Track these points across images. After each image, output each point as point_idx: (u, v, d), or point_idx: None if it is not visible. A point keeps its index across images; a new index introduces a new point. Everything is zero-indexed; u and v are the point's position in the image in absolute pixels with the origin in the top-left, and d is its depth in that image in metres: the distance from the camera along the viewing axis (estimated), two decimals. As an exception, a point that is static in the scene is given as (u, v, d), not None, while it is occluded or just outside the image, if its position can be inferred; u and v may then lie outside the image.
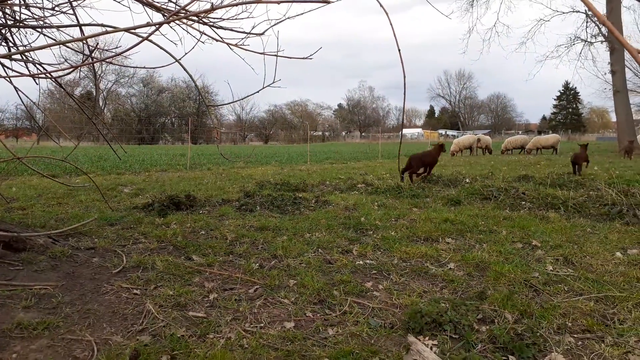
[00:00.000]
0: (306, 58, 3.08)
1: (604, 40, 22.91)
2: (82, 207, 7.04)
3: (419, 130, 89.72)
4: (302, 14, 4.49)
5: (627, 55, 24.36)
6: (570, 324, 2.98)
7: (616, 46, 21.01)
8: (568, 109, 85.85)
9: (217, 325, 2.95)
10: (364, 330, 2.90)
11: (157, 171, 15.01)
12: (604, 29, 22.54)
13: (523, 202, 7.09)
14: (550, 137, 24.24)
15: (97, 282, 3.71)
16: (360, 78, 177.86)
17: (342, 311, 3.20)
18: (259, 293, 3.50)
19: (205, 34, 4.50)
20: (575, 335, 2.86)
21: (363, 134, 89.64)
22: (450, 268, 4.11)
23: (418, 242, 4.99)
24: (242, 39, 4.04)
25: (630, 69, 30.40)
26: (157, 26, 3.39)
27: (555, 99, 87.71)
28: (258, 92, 3.99)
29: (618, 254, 4.39)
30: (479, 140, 25.47)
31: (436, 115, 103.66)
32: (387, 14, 1.73)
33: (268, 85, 3.92)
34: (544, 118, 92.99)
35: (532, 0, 31.94)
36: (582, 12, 23.35)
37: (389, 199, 8.02)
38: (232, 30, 4.84)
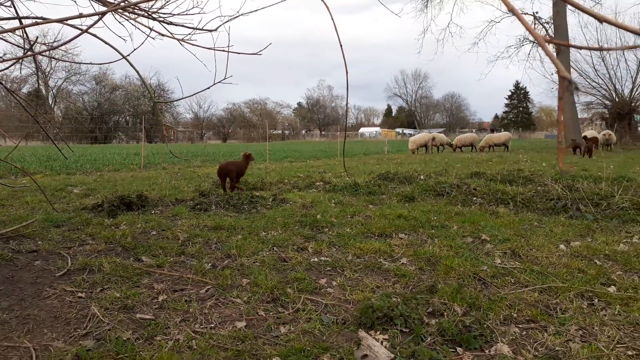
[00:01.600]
0: (255, 54, 3.04)
1: (550, 41, 23.84)
2: (27, 209, 6.71)
3: (377, 129, 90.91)
4: (255, 10, 4.46)
5: (572, 56, 25.54)
6: (515, 315, 3.08)
7: (562, 48, 21.97)
8: (519, 107, 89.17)
9: (166, 327, 2.88)
10: (316, 327, 2.90)
11: (110, 171, 14.53)
12: (550, 31, 23.54)
13: (474, 198, 7.30)
14: (502, 135, 25.10)
15: (38, 286, 3.54)
16: (321, 77, 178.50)
17: (295, 309, 3.19)
18: (210, 293, 3.44)
19: (154, 30, 4.38)
20: (520, 326, 2.96)
21: (323, 132, 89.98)
22: (403, 263, 4.17)
23: (372, 238, 5.04)
24: (189, 33, 3.95)
25: (575, 70, 31.82)
26: (99, 16, 3.26)
27: (506, 98, 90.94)
28: (209, 88, 3.91)
29: (562, 246, 4.58)
30: (433, 138, 26.04)
31: (394, 114, 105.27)
32: (329, 10, 1.73)
33: (219, 82, 3.85)
34: (496, 117, 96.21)
35: (483, 2, 32.80)
36: (530, 14, 24.30)
37: (346, 196, 8.07)
38: (183, 26, 4.73)
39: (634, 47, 0.64)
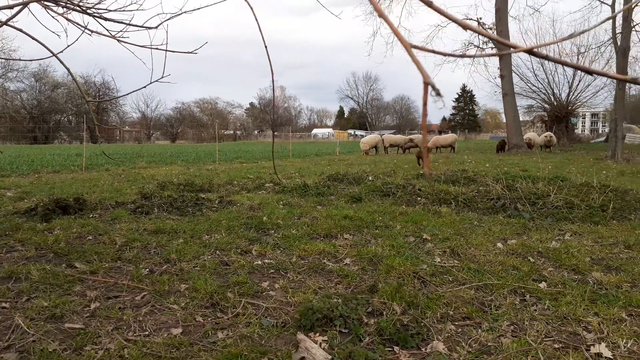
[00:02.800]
0: (191, 52, 2.96)
1: (494, 47, 24.92)
2: (-50, 214, 6.26)
3: (330, 130, 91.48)
4: (198, 8, 4.35)
5: (514, 60, 26.70)
6: (452, 313, 3.15)
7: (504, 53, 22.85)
8: (465, 110, 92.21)
9: (96, 336, 2.74)
10: (255, 331, 2.85)
11: (49, 173, 13.81)
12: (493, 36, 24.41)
13: (419, 198, 7.46)
14: (448, 137, 25.85)
15: (-43, 297, 3.29)
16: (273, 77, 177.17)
17: (235, 313, 3.13)
18: (146, 300, 3.32)
19: (88, 29, 4.18)
20: (456, 323, 3.03)
21: (276, 133, 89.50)
22: (346, 263, 4.19)
23: (318, 239, 5.04)
24: (121, 30, 3.80)
25: (517, 74, 33.32)
26: (21, 7, 3.08)
27: (454, 101, 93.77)
28: (145, 87, 3.77)
29: (499, 244, 4.75)
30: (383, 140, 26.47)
31: (346, 116, 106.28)
32: (252, 8, 1.69)
33: (156, 81, 3.73)
34: (444, 119, 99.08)
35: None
36: (474, 20, 25.20)
37: (295, 197, 8.04)
38: (121, 22, 4.55)
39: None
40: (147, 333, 2.81)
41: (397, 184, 8.76)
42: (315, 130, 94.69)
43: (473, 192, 7.65)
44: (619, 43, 18.75)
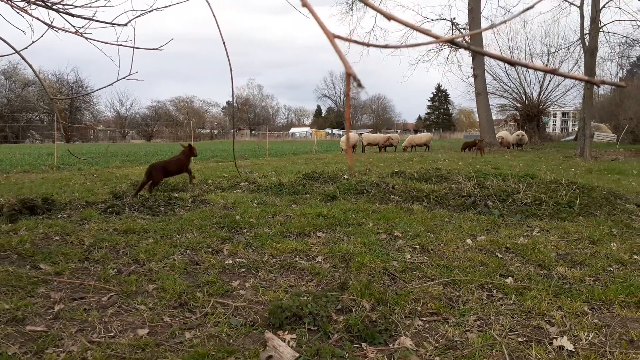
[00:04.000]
0: (156, 49, 2.92)
1: (467, 47, 25.20)
2: None
3: (307, 129, 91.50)
4: (169, 5, 4.29)
5: (487, 61, 27.12)
6: (420, 308, 3.19)
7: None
8: (440, 109, 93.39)
9: (59, 338, 2.68)
10: (223, 331, 2.84)
11: (18, 172, 13.45)
12: (467, 37, 24.80)
13: (392, 196, 7.52)
14: (423, 136, 26.14)
15: None
16: (250, 76, 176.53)
17: (204, 313, 3.10)
18: (112, 301, 3.26)
19: (53, 26, 4.08)
20: (424, 319, 3.07)
21: (253, 132, 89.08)
22: (318, 261, 4.20)
23: (290, 237, 5.04)
24: (83, 26, 3.72)
25: (490, 74, 33.91)
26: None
27: (429, 100, 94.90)
28: (112, 84, 3.71)
29: (468, 240, 4.83)
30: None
31: (323, 115, 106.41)
32: (210, 7, 1.68)
33: (123, 78, 3.67)
34: (419, 118, 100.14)
35: (405, 7, 34.07)
36: (448, 20, 25.57)
37: (269, 196, 8.01)
38: (88, 18, 4.46)
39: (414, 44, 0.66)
40: (112, 334, 2.76)
41: (372, 182, 8.81)
42: (293, 129, 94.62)
43: (445, 190, 7.75)
44: (587, 43, 19.24)
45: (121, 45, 3.21)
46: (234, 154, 2.70)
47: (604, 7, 19.74)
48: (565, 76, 0.62)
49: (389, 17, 0.61)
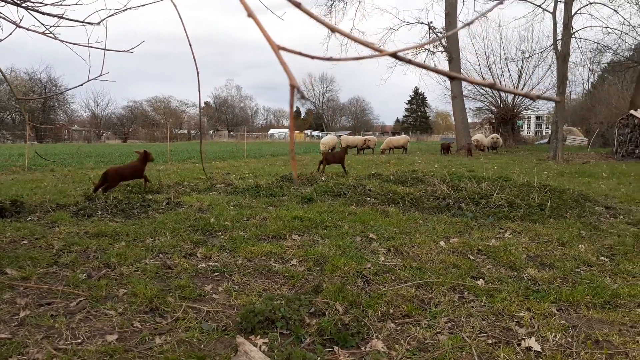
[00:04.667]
0: (127, 51, 2.88)
1: (443, 50, 25.63)
2: None
3: (286, 130, 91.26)
4: (143, 5, 4.23)
5: (462, 64, 27.53)
6: (392, 311, 3.21)
7: (454, 56, 23.63)
8: (417, 112, 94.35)
9: (24, 345, 2.61)
10: (194, 336, 2.80)
11: (-14, 174, 13.06)
12: (444, 41, 25.20)
13: (368, 198, 7.56)
14: (401, 138, 26.38)
15: None
16: (229, 76, 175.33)
17: (175, 318, 3.06)
18: (81, 306, 3.19)
19: (21, 26, 3.98)
20: (396, 321, 3.09)
21: (231, 133, 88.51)
22: (293, 264, 4.19)
23: (266, 240, 5.01)
24: (53, 25, 3.65)
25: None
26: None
27: (406, 103, 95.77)
28: (82, 85, 3.64)
29: (442, 243, 4.88)
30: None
31: (302, 116, 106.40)
32: (175, 6, 1.67)
33: (94, 79, 3.60)
34: (397, 120, 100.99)
35: (383, 10, 34.30)
36: (425, 24, 25.88)
37: (246, 198, 7.97)
38: (59, 17, 4.37)
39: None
40: (79, 341, 2.70)
41: (349, 184, 8.85)
42: (272, 131, 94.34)
43: (420, 192, 7.83)
44: (559, 49, 19.69)
45: (91, 46, 3.15)
46: (201, 156, 2.67)
47: (576, 13, 20.25)
48: (504, 90, 0.64)
49: (333, 30, 0.61)
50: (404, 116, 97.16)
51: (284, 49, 0.57)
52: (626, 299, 3.43)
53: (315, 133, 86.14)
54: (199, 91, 1.44)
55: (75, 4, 4.44)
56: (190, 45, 1.52)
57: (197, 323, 2.98)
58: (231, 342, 2.74)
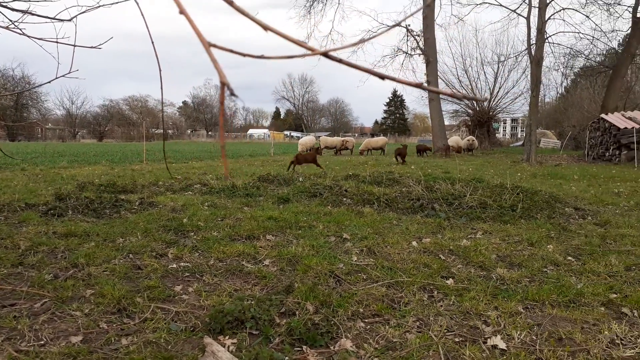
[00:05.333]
0: (95, 47, 2.84)
1: (421, 53, 25.91)
2: None
3: (266, 131, 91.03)
4: (116, 3, 4.17)
5: (440, 67, 27.86)
6: (362, 310, 3.23)
7: (430, 59, 23.90)
8: (396, 114, 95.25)
9: (-16, 348, 2.55)
10: (162, 337, 2.77)
11: (-48, 172, 12.67)
12: (421, 43, 25.50)
13: (345, 199, 7.59)
14: (379, 140, 26.60)
15: None
16: (208, 76, 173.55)
17: (143, 318, 3.02)
18: (46, 307, 3.12)
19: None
20: (366, 320, 3.11)
21: (210, 133, 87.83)
22: (265, 264, 4.18)
23: (239, 240, 4.99)
24: (18, 20, 3.57)
25: (442, 80, 34.88)
26: None
27: (385, 105, 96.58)
28: (50, 82, 3.57)
29: (414, 243, 4.93)
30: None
31: (282, 117, 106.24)
32: (138, 4, 1.65)
33: (62, 76, 3.54)
34: (376, 122, 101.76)
35: (362, 12, 34.51)
36: (404, 27, 26.11)
37: (221, 198, 7.91)
38: (26, 12, 4.27)
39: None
40: (42, 342, 2.65)
41: (325, 185, 8.87)
42: (251, 131, 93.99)
43: (396, 193, 7.90)
44: (533, 53, 20.10)
45: (58, 42, 3.09)
46: (164, 156, 2.65)
47: (549, 19, 20.71)
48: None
49: (266, 28, 0.62)
50: (382, 118, 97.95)
51: (214, 46, 0.57)
52: (590, 297, 3.52)
53: (294, 134, 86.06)
54: (162, 89, 1.43)
55: (45, 0, 4.36)
56: (152, 43, 1.51)
57: (165, 324, 2.95)
58: (199, 342, 2.72)
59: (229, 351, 2.60)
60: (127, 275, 3.78)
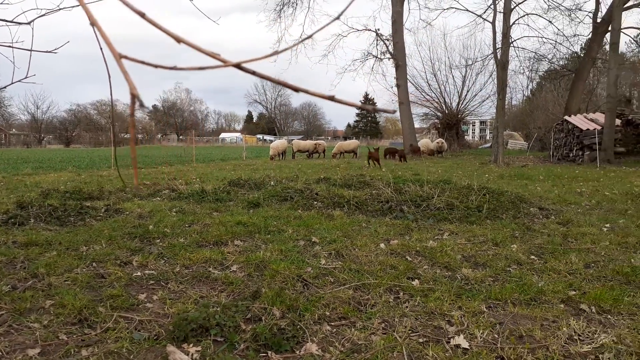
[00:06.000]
0: (51, 52, 2.77)
1: (390, 57, 26.23)
2: None
3: (238, 134, 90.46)
4: (77, 5, 4.08)
5: (409, 71, 28.25)
6: (329, 314, 3.24)
7: (400, 63, 24.23)
8: (368, 117, 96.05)
9: None
10: (124, 346, 2.72)
11: None
12: (390, 47, 25.84)
13: (315, 202, 7.60)
14: (351, 143, 26.76)
15: None
16: (178, 80, 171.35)
17: (105, 328, 2.95)
18: (2, 320, 3.02)
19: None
20: (333, 323, 3.12)
21: (181, 137, 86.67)
22: (233, 270, 4.15)
23: (206, 247, 4.94)
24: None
25: (412, 84, 35.39)
26: None
27: (357, 109, 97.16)
28: (4, 88, 3.47)
29: (382, 245, 4.98)
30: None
31: (254, 121, 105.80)
32: (84, 7, 1.63)
33: (18, 81, 3.45)
34: (349, 125, 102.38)
35: (331, 16, 34.58)
36: (373, 31, 26.42)
37: (190, 204, 7.81)
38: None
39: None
40: (-3, 357, 2.56)
41: (296, 188, 8.86)
42: (223, 135, 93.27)
43: (366, 196, 7.96)
44: (499, 57, 20.60)
45: (12, 46, 3.01)
46: (116, 162, 2.61)
47: (514, 23, 21.30)
48: (343, 102, 0.66)
49: (178, 40, 0.62)
50: (355, 121, 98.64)
51: (126, 57, 0.57)
52: (550, 295, 3.62)
53: (267, 137, 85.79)
54: (111, 94, 1.40)
55: (2, 3, 4.24)
56: (101, 49, 1.48)
57: (128, 333, 2.89)
58: (162, 351, 2.68)
59: (192, 359, 2.57)
60: (89, 284, 3.69)
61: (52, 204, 7.22)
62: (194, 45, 0.61)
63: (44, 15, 3.92)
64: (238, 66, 0.61)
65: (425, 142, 26.96)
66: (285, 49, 0.69)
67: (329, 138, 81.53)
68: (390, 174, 12.47)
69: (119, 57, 0.56)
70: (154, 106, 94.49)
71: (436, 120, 42.57)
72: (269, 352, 2.71)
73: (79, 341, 2.79)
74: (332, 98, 0.66)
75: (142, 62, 0.59)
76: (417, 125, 33.84)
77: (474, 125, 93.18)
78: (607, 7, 23.87)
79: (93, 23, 0.59)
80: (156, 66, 0.60)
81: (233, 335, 2.83)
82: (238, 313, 3.11)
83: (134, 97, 0.53)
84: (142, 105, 0.53)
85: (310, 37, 0.78)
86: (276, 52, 0.68)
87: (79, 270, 3.99)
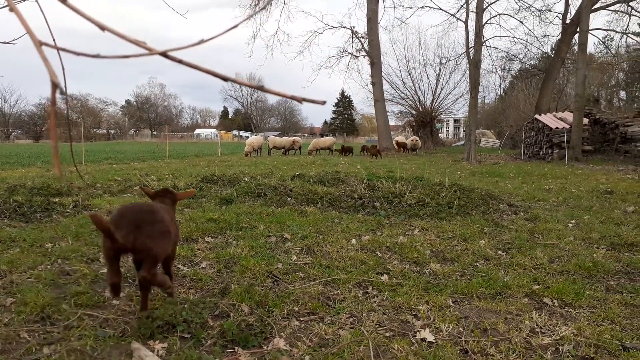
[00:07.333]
0: (8, 42, 2.70)
1: (366, 54, 26.37)
2: None
3: (214, 130, 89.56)
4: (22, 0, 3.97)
5: (384, 68, 28.44)
6: (297, 309, 3.25)
7: (375, 61, 24.38)
8: (344, 114, 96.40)
9: None
10: (88, 344, 2.67)
11: None
12: (366, 45, 25.95)
13: (289, 199, 7.60)
14: (327, 140, 26.83)
15: None
16: (152, 75, 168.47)
17: (68, 326, 2.90)
18: (-40, 318, 2.93)
19: None
20: (301, 319, 3.13)
21: (154, 132, 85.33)
22: (202, 267, 4.12)
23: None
24: None
25: (387, 81, 35.66)
26: None
27: (334, 106, 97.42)
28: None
29: (353, 240, 5.01)
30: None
31: (230, 117, 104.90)
32: (38, 3, 1.59)
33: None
34: (325, 122, 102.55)
35: (307, 13, 34.69)
36: (349, 29, 26.49)
37: (162, 200, 7.69)
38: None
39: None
40: (-46, 357, 2.49)
41: (271, 185, 8.83)
42: (198, 131, 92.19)
43: (340, 192, 7.99)
44: (472, 56, 20.92)
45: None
46: (73, 158, 2.56)
47: (486, 23, 21.65)
48: (271, 92, 0.67)
49: (102, 28, 0.62)
50: (331, 118, 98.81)
51: (46, 44, 0.57)
52: (515, 289, 3.71)
53: (243, 133, 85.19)
54: (53, 94, 1.38)
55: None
56: (55, 47, 1.45)
57: (92, 330, 2.84)
58: (127, 348, 2.64)
59: (157, 355, 2.55)
60: (53, 281, 3.61)
61: (17, 200, 7.02)
62: (117, 33, 0.61)
63: (4, 7, 3.81)
64: (164, 54, 0.61)
65: (400, 139, 27.20)
66: (211, 38, 0.68)
67: (306, 135, 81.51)
68: (364, 171, 12.55)
69: (39, 44, 0.55)
70: (127, 101, 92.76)
71: (411, 118, 42.99)
72: (236, 348, 2.71)
73: (41, 339, 2.73)
74: (261, 88, 0.66)
75: (63, 49, 0.58)
76: (392, 122, 34.15)
77: (448, 123, 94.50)
78: (576, 8, 24.50)
79: (12, 9, 0.58)
80: (77, 53, 0.60)
81: (200, 331, 2.82)
82: (206, 309, 3.09)
83: (55, 85, 0.52)
84: (62, 92, 0.53)
85: (231, 29, 0.79)
86: (202, 41, 0.68)
87: (43, 267, 3.90)
